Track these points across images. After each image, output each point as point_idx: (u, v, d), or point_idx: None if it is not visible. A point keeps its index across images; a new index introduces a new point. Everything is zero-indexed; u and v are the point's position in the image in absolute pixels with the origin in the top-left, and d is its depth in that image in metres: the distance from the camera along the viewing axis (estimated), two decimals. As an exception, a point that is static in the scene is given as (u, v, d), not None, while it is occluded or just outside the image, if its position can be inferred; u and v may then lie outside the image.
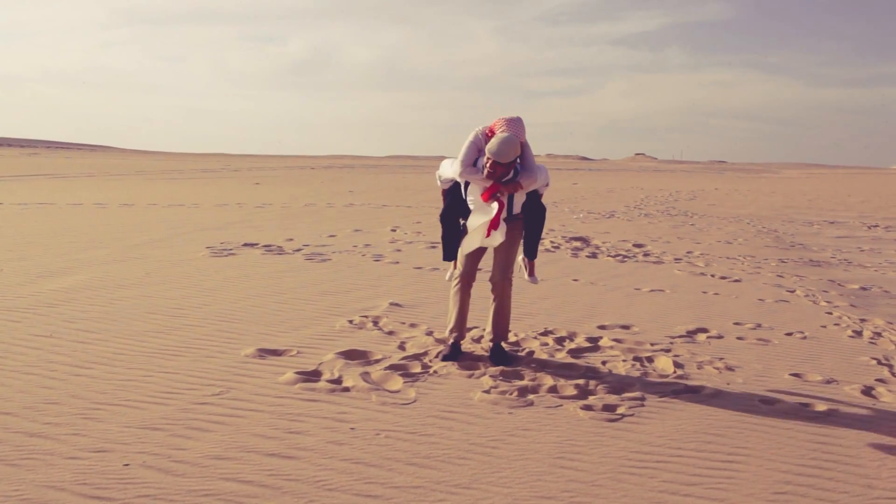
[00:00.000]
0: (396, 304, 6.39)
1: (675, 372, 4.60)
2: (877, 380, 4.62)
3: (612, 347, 5.18)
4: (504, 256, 4.80)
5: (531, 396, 4.06)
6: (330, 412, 3.72)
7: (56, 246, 9.40)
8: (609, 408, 3.89)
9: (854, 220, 18.65)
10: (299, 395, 3.97)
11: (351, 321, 5.70)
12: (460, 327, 4.85)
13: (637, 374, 4.56)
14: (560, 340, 5.33)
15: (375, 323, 5.69)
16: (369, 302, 6.48)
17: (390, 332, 5.42)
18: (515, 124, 4.55)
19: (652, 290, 7.56)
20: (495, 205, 4.48)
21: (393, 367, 4.51)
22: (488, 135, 4.57)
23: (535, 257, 5.00)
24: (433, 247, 10.47)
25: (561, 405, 3.93)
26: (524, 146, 4.56)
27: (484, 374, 4.43)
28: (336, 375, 4.31)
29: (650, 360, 4.89)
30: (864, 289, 8.43)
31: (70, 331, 5.14)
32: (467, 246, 4.76)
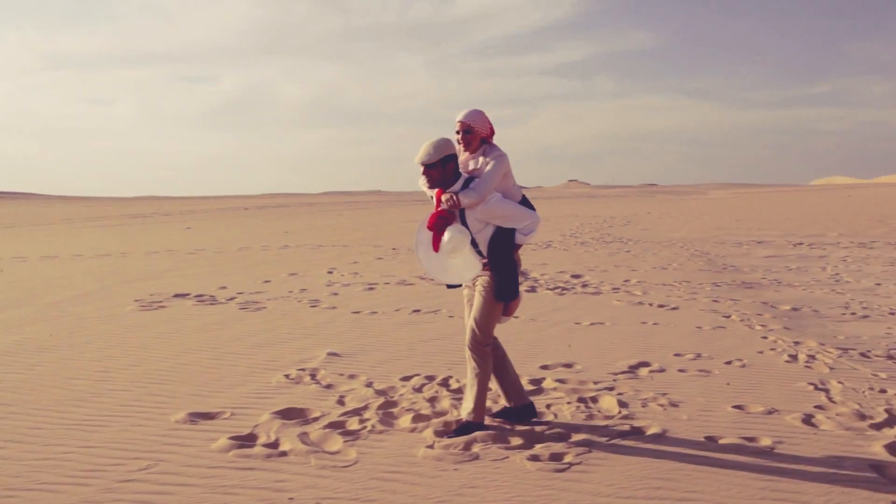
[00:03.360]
0: (334, 354, 6.20)
1: (619, 412, 4.56)
2: (815, 406, 4.68)
3: (555, 389, 5.12)
4: (474, 312, 4.20)
5: (476, 448, 3.94)
6: (266, 481, 3.51)
7: (-30, 307, 8.85)
8: (556, 457, 3.80)
9: (780, 238, 19.32)
10: (233, 463, 3.75)
11: (287, 375, 5.49)
12: (477, 407, 4.19)
13: (582, 416, 4.50)
14: (501, 385, 5.23)
15: (313, 376, 5.49)
16: (306, 353, 6.27)
17: (328, 386, 5.23)
18: (469, 116, 4.12)
19: (592, 324, 7.58)
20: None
21: (332, 426, 4.33)
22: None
23: (506, 299, 4.15)
24: (370, 288, 10.31)
25: (507, 457, 3.82)
26: (496, 162, 4.04)
27: (428, 426, 4.29)
28: (273, 438, 4.11)
29: (594, 400, 4.84)
30: (795, 309, 8.65)
31: (-18, 405, 4.78)
32: (429, 269, 4.24)
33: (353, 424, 4.35)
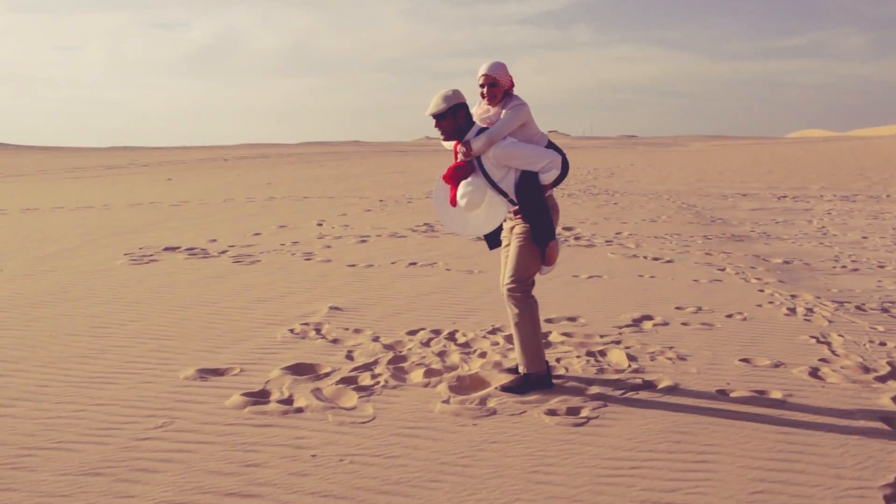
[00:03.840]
0: (336, 308, 6.17)
1: (629, 366, 4.59)
2: (820, 360, 4.75)
3: (563, 343, 5.13)
4: (509, 258, 4.14)
5: (492, 403, 3.95)
6: (286, 438, 3.50)
7: (-45, 261, 8.66)
8: (573, 411, 3.83)
9: (764, 191, 19.45)
10: (250, 420, 3.73)
11: (292, 330, 5.45)
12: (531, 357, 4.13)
13: (593, 370, 4.52)
14: (510, 338, 5.24)
15: (318, 331, 5.45)
16: (308, 307, 6.23)
17: (335, 341, 5.21)
18: (493, 68, 4.03)
19: (590, 277, 7.60)
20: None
21: (344, 381, 4.32)
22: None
23: (540, 243, 4.02)
24: (363, 241, 10.24)
25: (525, 412, 3.84)
26: (513, 110, 3.97)
27: (441, 381, 4.29)
28: (286, 395, 4.09)
29: (603, 354, 4.87)
30: (786, 262, 8.74)
31: (-17, 362, 4.70)
32: (449, 224, 4.23)
33: (365, 380, 4.34)
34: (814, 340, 5.21)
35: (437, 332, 5.40)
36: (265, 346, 5.07)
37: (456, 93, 4.04)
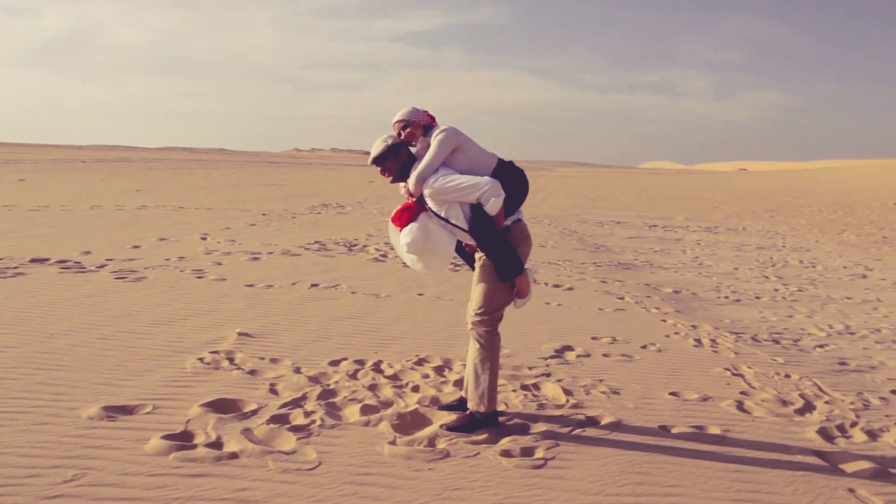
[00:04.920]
0: (246, 334, 5.72)
1: (568, 401, 4.54)
2: (741, 393, 4.92)
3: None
4: (475, 289, 3.95)
5: (442, 444, 3.74)
6: (227, 490, 3.12)
7: None
8: (527, 452, 3.70)
9: (635, 219, 20.49)
10: (179, 469, 3.30)
11: (202, 359, 4.98)
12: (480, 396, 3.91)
13: (533, 405, 4.43)
14: (440, 370, 5.07)
15: (231, 360, 5.02)
16: (213, 332, 5.74)
17: (252, 372, 4.80)
18: (401, 113, 3.96)
19: (500, 303, 7.56)
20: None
21: (275, 420, 3.96)
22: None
23: (504, 278, 3.83)
24: (255, 258, 9.71)
25: (478, 453, 3.66)
26: (437, 140, 3.81)
27: (381, 419, 4.03)
28: (213, 437, 3.67)
29: (537, 387, 4.79)
30: (676, 292, 9.15)
31: None
32: (413, 266, 3.97)
33: (298, 418, 4.00)
34: (728, 373, 5.41)
35: (361, 363, 5.12)
36: (175, 377, 4.59)
37: (391, 135, 3.98)
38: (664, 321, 7.18)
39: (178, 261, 9.14)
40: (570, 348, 5.85)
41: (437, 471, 3.44)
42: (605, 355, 5.71)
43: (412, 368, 5.06)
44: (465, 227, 3.79)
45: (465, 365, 5.10)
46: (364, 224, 14.92)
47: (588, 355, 5.69)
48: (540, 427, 4.04)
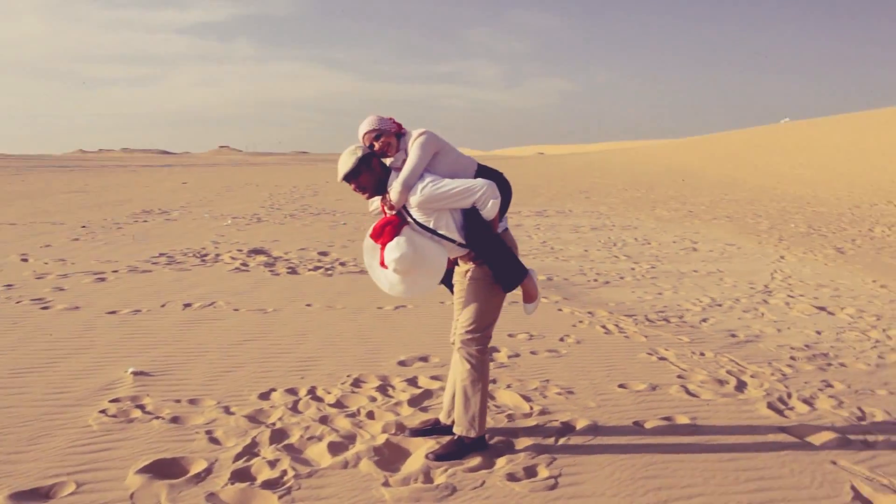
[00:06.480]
0: (142, 373, 4.94)
1: (532, 407, 4.38)
2: (678, 377, 5.06)
3: (442, 388, 4.74)
4: (464, 306, 3.63)
5: (439, 478, 3.42)
6: (232, 578, 2.59)
7: None
8: (530, 472, 3.48)
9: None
10: (158, 561, 2.70)
11: (104, 412, 4.21)
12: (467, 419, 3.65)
13: (503, 417, 4.21)
14: (383, 391, 4.69)
15: (142, 408, 4.29)
16: (100, 376, 4.89)
17: (175, 420, 4.13)
18: (368, 123, 3.60)
19: (397, 308, 7.25)
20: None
21: (237, 477, 3.40)
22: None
23: (509, 288, 3.59)
24: (100, 279, 8.54)
25: (483, 482, 3.38)
26: (416, 145, 3.48)
27: (358, 457, 3.61)
28: (175, 510, 3.07)
29: (492, 396, 4.59)
30: (549, 279, 9.35)
31: None
32: (389, 289, 3.58)
33: (263, 471, 3.47)
34: (653, 357, 5.55)
35: (294, 392, 4.61)
36: (82, 440, 3.81)
37: (358, 146, 3.58)
38: (560, 310, 7.27)
39: (5, 289, 7.79)
40: (495, 349, 5.70)
41: (454, 510, 3.12)
42: (532, 353, 5.63)
43: (353, 392, 4.64)
44: (456, 237, 3.47)
45: (413, 382, 4.78)
46: (202, 231, 13.78)
47: (517, 355, 5.57)
48: (524, 441, 3.85)
